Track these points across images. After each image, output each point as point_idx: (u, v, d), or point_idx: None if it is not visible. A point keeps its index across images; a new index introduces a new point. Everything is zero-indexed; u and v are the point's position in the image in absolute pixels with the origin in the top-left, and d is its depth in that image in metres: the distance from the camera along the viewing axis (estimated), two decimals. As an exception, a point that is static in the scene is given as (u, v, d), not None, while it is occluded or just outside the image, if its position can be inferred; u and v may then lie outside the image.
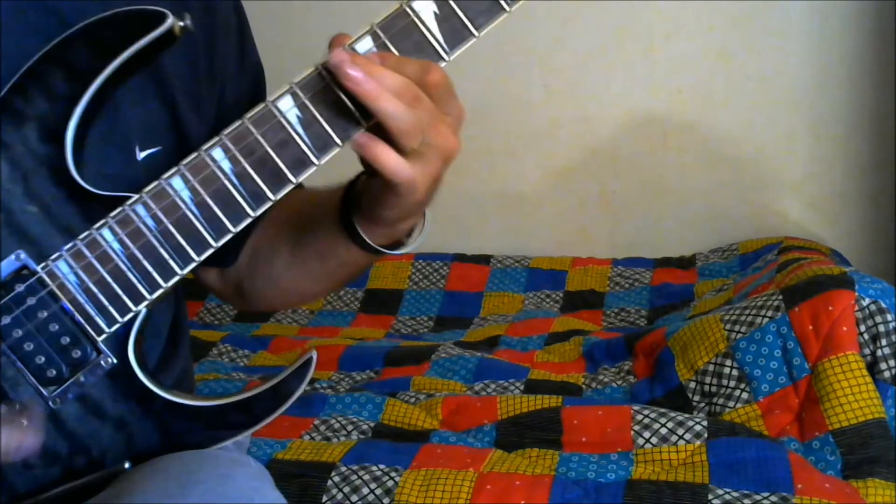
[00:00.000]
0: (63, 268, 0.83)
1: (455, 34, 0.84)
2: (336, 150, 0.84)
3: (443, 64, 0.84)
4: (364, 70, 0.80)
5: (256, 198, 0.84)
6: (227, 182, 0.84)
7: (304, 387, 0.86)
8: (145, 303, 0.84)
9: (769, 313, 1.76)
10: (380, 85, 0.80)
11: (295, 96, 0.83)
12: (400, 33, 0.83)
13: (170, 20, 0.81)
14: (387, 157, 0.82)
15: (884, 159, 2.58)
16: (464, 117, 0.86)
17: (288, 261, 1.02)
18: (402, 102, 0.81)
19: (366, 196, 0.90)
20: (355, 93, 0.81)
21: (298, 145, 0.83)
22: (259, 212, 0.85)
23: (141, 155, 0.91)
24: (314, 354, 0.86)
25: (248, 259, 1.05)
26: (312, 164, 0.84)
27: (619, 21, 2.63)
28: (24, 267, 0.83)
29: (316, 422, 1.71)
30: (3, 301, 0.82)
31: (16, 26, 0.86)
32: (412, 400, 1.80)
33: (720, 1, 2.59)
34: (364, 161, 0.85)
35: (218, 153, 0.83)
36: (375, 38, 0.83)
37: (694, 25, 2.62)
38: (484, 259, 2.60)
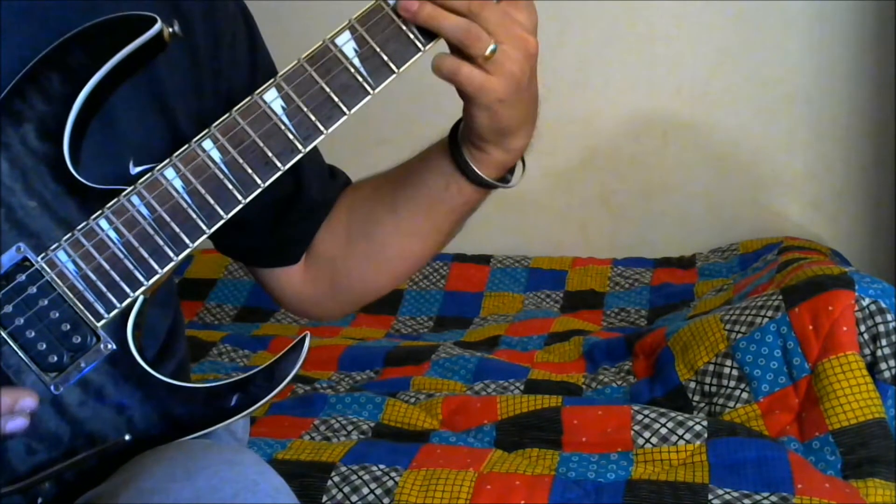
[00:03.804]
0: (62, 257, 0.86)
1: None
2: (321, 137, 0.89)
3: (419, 55, 0.89)
4: None
5: (246, 185, 0.88)
6: (216, 171, 0.88)
7: (299, 367, 0.89)
8: (142, 288, 0.88)
9: (769, 313, 1.76)
10: (435, 7, 0.87)
11: (279, 88, 0.88)
12: (375, 25, 0.88)
13: (158, 25, 0.86)
14: (456, 68, 0.88)
15: (884, 159, 2.58)
16: (537, 21, 0.91)
17: (393, 225, 1.03)
18: (465, 11, 0.87)
19: (466, 121, 0.94)
20: (415, 22, 0.87)
21: (284, 133, 0.88)
22: (249, 198, 0.88)
23: (135, 170, 0.94)
24: (308, 334, 0.89)
25: (342, 247, 1.06)
26: (298, 150, 0.89)
27: (619, 21, 2.63)
28: (26, 259, 0.86)
29: (316, 422, 1.71)
30: (4, 290, 0.85)
31: (12, 35, 0.89)
32: (412, 400, 1.80)
33: (720, 1, 2.59)
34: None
35: (207, 143, 0.88)
36: (353, 31, 0.88)
37: (694, 25, 2.62)
38: (484, 259, 2.60)
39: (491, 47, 0.87)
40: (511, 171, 0.99)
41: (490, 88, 0.88)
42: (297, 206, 1.05)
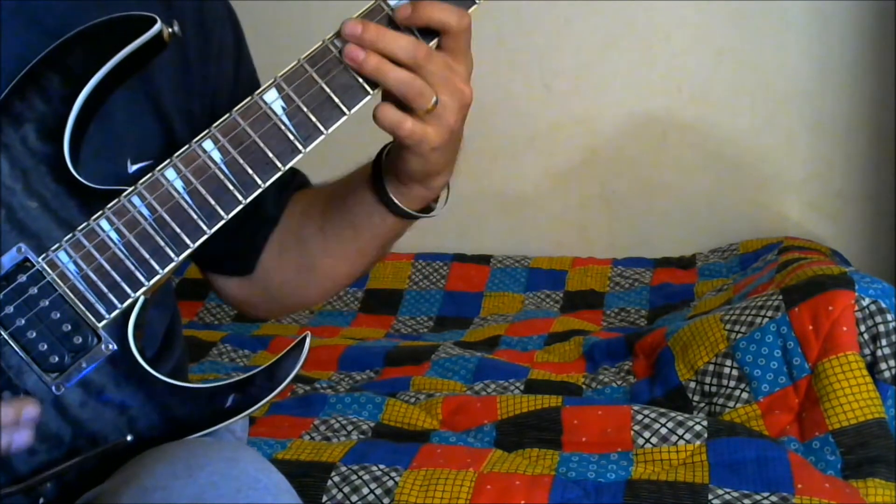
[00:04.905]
0: (63, 257, 0.86)
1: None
2: (321, 137, 0.89)
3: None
4: (371, 39, 0.86)
5: (246, 185, 0.89)
6: (217, 171, 0.88)
7: (299, 367, 0.89)
8: (143, 289, 0.88)
9: (769, 313, 1.76)
10: (381, 59, 0.86)
11: (279, 88, 0.88)
12: None
13: (158, 25, 0.86)
14: (399, 123, 0.88)
15: (884, 159, 2.58)
16: (473, 66, 0.91)
17: (321, 245, 1.04)
18: (411, 63, 0.86)
19: (394, 159, 0.95)
20: (359, 73, 0.87)
21: (284, 134, 0.88)
22: (249, 198, 0.89)
23: (132, 168, 0.95)
24: (308, 335, 0.89)
25: (274, 259, 1.07)
26: (299, 151, 0.89)
27: (619, 21, 2.63)
28: (27, 259, 0.86)
29: (316, 422, 1.71)
30: (5, 291, 0.85)
31: (8, 34, 0.90)
32: (412, 400, 1.80)
33: (720, 1, 2.59)
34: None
35: (208, 144, 0.88)
36: None
37: (693, 25, 2.62)
38: (484, 259, 2.60)
39: (433, 100, 0.87)
40: (435, 199, 1.00)
41: (428, 139, 0.89)
42: (254, 217, 1.05)
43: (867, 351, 1.67)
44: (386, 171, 0.97)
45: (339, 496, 1.47)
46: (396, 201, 0.97)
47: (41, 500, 0.86)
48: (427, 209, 0.99)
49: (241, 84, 1.05)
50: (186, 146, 0.88)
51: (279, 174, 0.89)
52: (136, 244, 0.87)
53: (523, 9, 2.61)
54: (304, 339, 0.89)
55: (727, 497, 1.43)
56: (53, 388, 0.86)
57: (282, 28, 2.53)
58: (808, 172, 2.65)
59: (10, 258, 0.86)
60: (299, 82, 0.88)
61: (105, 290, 0.87)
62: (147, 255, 0.87)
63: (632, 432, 1.61)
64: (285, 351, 0.89)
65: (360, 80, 0.88)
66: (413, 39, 0.87)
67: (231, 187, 0.88)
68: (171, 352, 1.05)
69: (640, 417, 1.62)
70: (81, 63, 0.87)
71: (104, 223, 0.87)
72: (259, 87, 1.08)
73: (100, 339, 0.87)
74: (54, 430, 0.86)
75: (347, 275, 1.07)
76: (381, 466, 1.51)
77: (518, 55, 2.65)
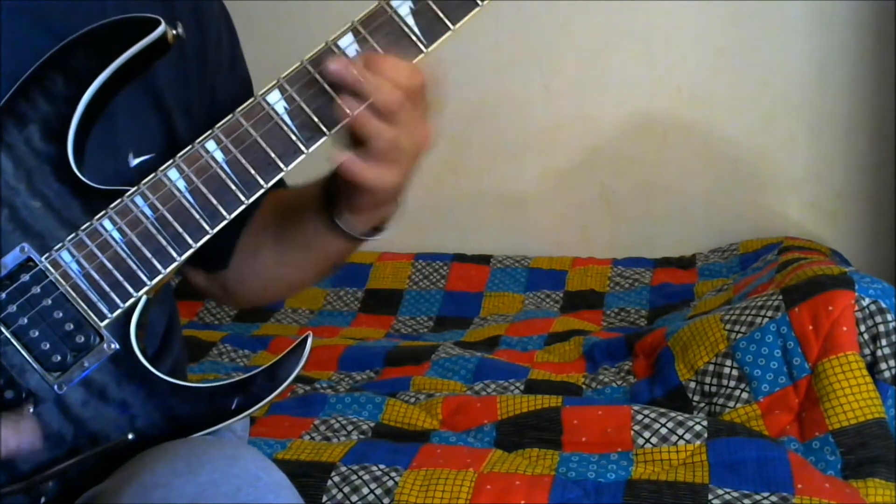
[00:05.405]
0: (66, 257, 0.87)
1: (431, 28, 0.89)
2: (323, 139, 0.89)
3: (421, 56, 0.89)
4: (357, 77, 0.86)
5: (248, 185, 0.89)
6: (220, 171, 0.88)
7: (300, 367, 0.89)
8: (145, 288, 0.88)
9: (769, 313, 1.76)
10: (368, 103, 0.86)
11: (282, 89, 0.88)
12: (379, 28, 0.89)
13: (162, 27, 0.86)
14: (363, 173, 0.89)
15: (884, 159, 2.59)
16: (438, 105, 0.91)
17: (272, 253, 1.05)
18: (385, 112, 0.87)
19: (349, 199, 0.95)
20: (350, 119, 0.87)
21: (287, 135, 0.88)
22: (252, 198, 0.89)
23: (134, 162, 0.95)
24: (310, 335, 0.90)
25: (233, 259, 1.08)
26: (301, 152, 0.89)
27: (619, 21, 2.63)
28: (29, 259, 0.86)
29: (316, 422, 1.71)
30: (7, 290, 0.85)
31: (9, 35, 0.90)
32: (412, 400, 1.80)
33: (720, 1, 2.59)
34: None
35: (211, 144, 0.88)
36: (356, 33, 0.89)
37: (694, 25, 2.62)
38: (484, 259, 2.60)
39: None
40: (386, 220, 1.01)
41: (387, 182, 0.90)
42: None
43: (867, 351, 1.67)
44: (337, 198, 0.97)
45: (339, 496, 1.47)
46: (346, 228, 0.97)
47: (42, 500, 0.86)
48: (374, 230, 1.00)
49: (237, 81, 1.06)
50: (189, 146, 0.88)
51: (281, 174, 0.89)
52: (139, 244, 0.87)
53: (523, 9, 2.61)
54: (305, 340, 0.89)
55: (727, 497, 1.43)
56: (55, 387, 0.86)
57: (282, 28, 2.53)
58: (808, 172, 2.65)
59: (13, 258, 0.86)
60: (302, 84, 0.88)
61: (107, 289, 0.87)
62: (149, 255, 0.87)
63: (632, 432, 1.61)
64: (287, 351, 0.89)
65: None
66: (394, 89, 0.87)
67: (233, 187, 0.88)
68: (170, 350, 1.05)
69: (640, 417, 1.62)
70: (85, 64, 0.87)
71: (107, 223, 0.87)
72: (251, 85, 1.08)
73: (102, 338, 0.87)
74: (56, 428, 0.86)
75: (300, 284, 1.09)
76: (381, 466, 1.51)
77: (518, 55, 2.65)
